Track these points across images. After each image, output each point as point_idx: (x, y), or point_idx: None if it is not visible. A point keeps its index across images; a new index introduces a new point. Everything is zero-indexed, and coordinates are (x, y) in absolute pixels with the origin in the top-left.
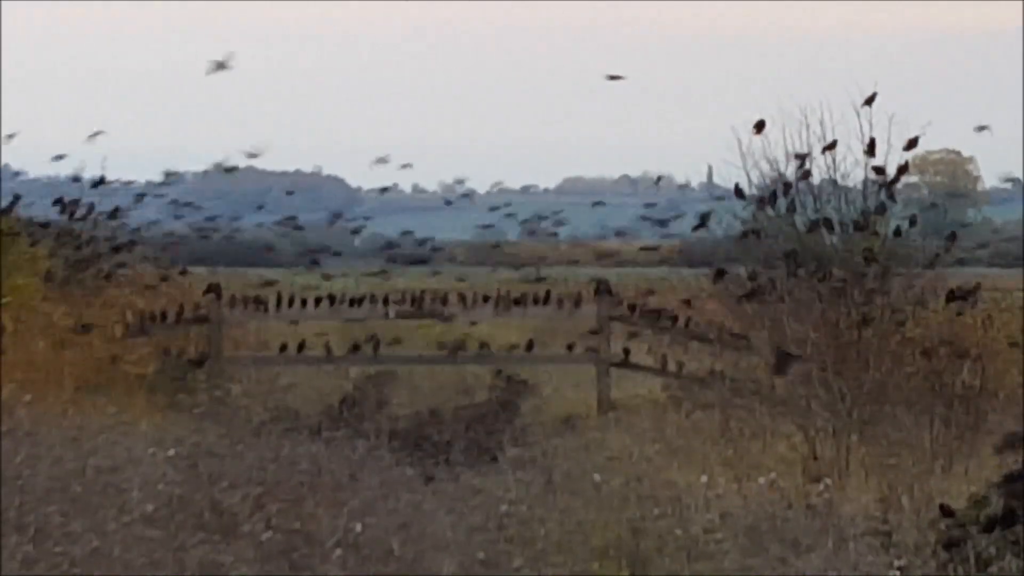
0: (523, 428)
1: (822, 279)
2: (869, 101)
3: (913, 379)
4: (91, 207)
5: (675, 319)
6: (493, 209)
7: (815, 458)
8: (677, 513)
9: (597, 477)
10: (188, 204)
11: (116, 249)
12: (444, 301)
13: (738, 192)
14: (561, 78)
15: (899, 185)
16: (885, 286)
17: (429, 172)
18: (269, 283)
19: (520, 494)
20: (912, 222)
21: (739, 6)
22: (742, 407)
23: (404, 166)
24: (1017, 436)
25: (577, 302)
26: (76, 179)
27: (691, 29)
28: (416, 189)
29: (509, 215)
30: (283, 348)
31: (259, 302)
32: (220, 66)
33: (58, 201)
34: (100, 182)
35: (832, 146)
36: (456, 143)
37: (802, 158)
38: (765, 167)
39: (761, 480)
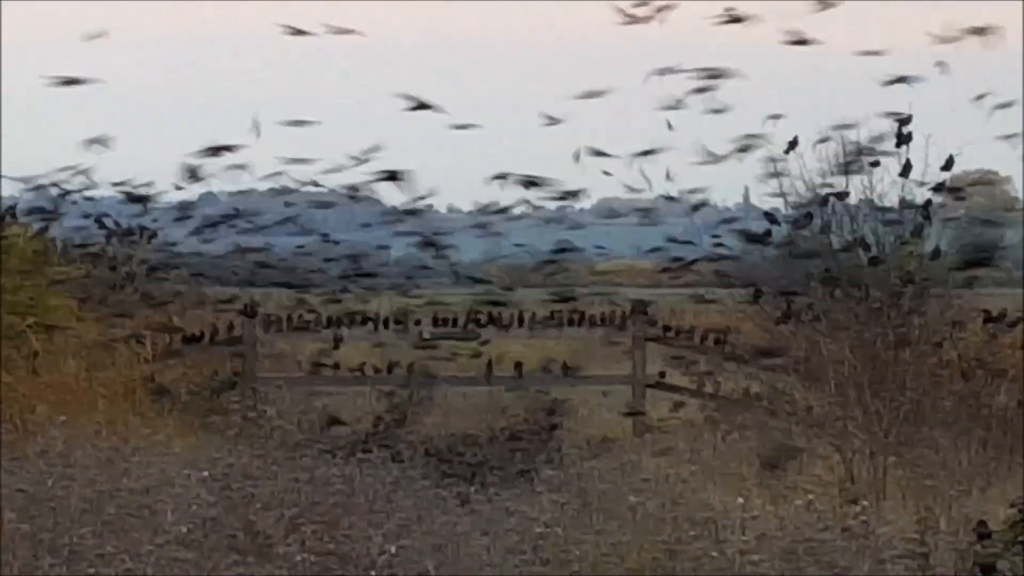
0: (558, 449)
1: (859, 300)
2: (905, 122)
3: (950, 400)
4: (128, 228)
5: (714, 340)
6: (524, 223)
7: (852, 480)
8: (713, 535)
9: (632, 499)
10: (221, 223)
11: (151, 269)
12: (478, 322)
13: (770, 218)
14: (596, 99)
15: (935, 206)
16: (922, 307)
17: (463, 192)
18: (302, 301)
19: (555, 516)
20: (935, 255)
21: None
22: (778, 428)
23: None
24: None
25: (613, 322)
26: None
27: (720, 45)
28: (451, 209)
29: (543, 235)
30: (317, 368)
31: (292, 322)
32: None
33: (97, 220)
34: (141, 199)
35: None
36: (490, 163)
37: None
38: (801, 187)
39: (798, 502)
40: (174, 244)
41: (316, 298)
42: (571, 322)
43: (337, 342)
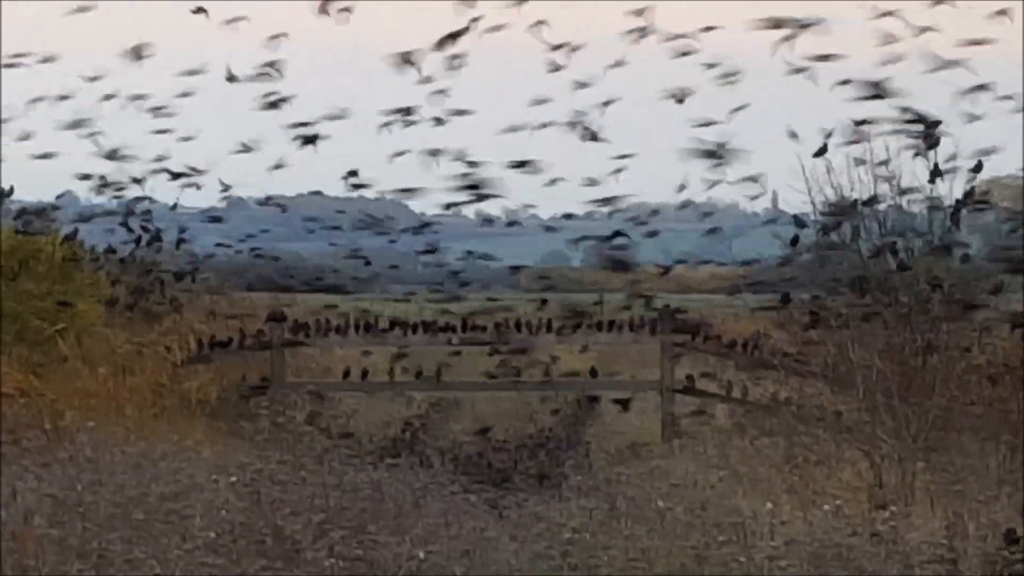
0: (586, 455)
1: (887, 305)
2: (933, 125)
3: (979, 405)
4: (155, 233)
5: (743, 345)
6: (552, 231)
7: (880, 485)
8: (741, 540)
9: (661, 504)
10: (251, 236)
11: (179, 275)
12: (507, 327)
13: (798, 223)
14: (626, 102)
15: (965, 211)
16: (950, 312)
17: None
18: (330, 306)
19: (584, 521)
20: (964, 260)
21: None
22: (807, 433)
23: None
24: None
25: (643, 328)
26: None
27: (757, 55)
28: (479, 214)
29: (573, 240)
30: (346, 374)
31: (321, 327)
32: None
33: (124, 224)
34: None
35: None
36: (517, 169)
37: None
38: (830, 192)
39: (826, 507)
40: (201, 251)
41: (346, 303)
42: (600, 327)
43: (366, 350)
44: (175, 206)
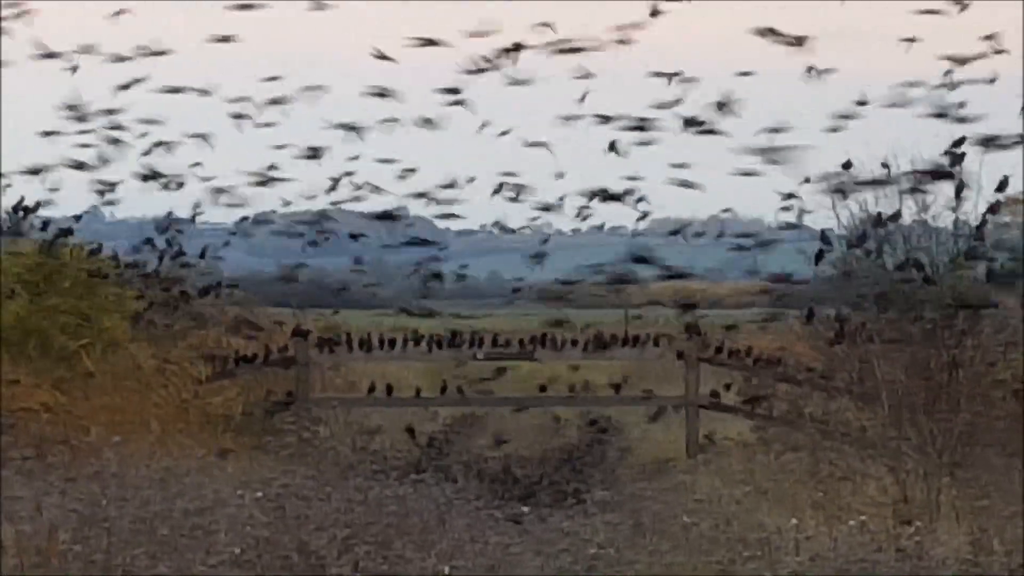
0: (611, 470)
1: (912, 320)
2: (958, 143)
3: (1004, 421)
4: (180, 248)
5: (768, 361)
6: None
7: (905, 500)
8: (767, 556)
9: (686, 519)
10: (274, 246)
11: (204, 290)
12: (532, 343)
13: (824, 238)
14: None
15: (989, 226)
16: (975, 327)
17: (515, 213)
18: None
19: (608, 536)
20: (989, 276)
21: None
22: (832, 449)
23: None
24: None
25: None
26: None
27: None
28: (503, 230)
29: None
30: (371, 390)
31: (346, 342)
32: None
33: (147, 241)
34: (193, 219)
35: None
36: (542, 184)
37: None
38: (854, 207)
39: (851, 522)
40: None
41: (369, 318)
42: (625, 342)
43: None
44: (193, 218)
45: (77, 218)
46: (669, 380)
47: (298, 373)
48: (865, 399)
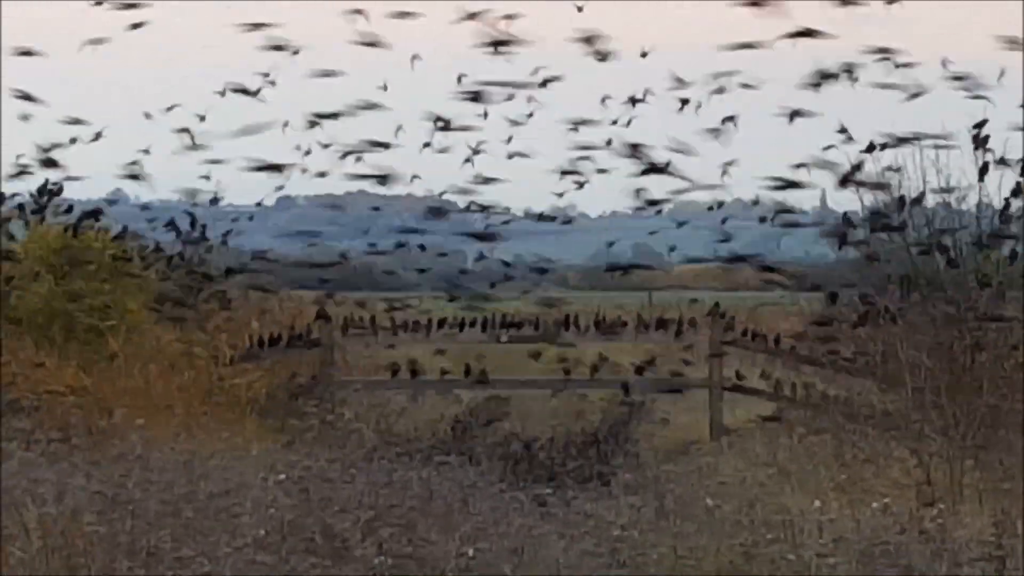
0: (635, 453)
1: (936, 303)
2: (980, 125)
3: None
4: (204, 231)
5: (791, 344)
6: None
7: (928, 483)
8: (790, 538)
9: (709, 502)
10: (302, 232)
11: (228, 273)
12: (557, 326)
13: (847, 221)
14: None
15: (1013, 208)
16: (999, 310)
17: (541, 196)
18: (395, 308)
19: (632, 519)
20: (1013, 257)
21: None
22: (855, 431)
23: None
24: None
25: (691, 326)
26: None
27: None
28: (528, 213)
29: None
30: (395, 372)
31: (369, 325)
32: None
33: (170, 223)
34: (214, 202)
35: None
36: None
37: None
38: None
39: (874, 505)
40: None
41: (393, 302)
42: (646, 326)
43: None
44: (215, 200)
45: (110, 202)
46: (695, 363)
47: (323, 355)
48: (888, 381)
